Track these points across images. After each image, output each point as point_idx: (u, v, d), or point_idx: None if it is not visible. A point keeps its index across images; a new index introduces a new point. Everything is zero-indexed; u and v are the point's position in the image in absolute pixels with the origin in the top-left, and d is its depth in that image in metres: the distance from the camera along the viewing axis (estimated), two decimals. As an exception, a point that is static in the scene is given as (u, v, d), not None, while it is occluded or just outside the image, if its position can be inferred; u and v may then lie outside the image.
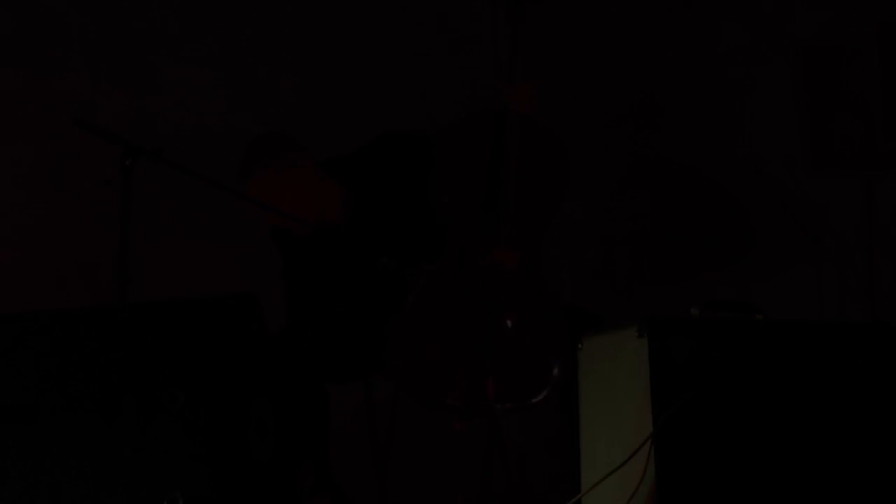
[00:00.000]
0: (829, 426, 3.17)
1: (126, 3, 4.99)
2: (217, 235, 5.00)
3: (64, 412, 2.88)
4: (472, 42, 4.15)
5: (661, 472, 3.02)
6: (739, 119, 5.37)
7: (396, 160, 3.91)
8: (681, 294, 5.15)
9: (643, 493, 3.03)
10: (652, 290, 5.33)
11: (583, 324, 3.58)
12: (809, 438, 3.15)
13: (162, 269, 4.82)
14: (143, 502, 2.78)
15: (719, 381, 3.12)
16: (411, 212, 3.90)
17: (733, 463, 3.08)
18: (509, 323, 3.63)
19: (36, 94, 4.84)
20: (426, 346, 3.69)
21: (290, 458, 3.07)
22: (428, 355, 3.68)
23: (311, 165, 3.93)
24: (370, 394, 4.02)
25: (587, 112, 5.40)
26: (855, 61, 5.02)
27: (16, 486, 2.86)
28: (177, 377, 2.85)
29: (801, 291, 5.24)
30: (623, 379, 3.19)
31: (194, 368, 2.85)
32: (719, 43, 5.39)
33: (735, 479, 3.08)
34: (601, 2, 5.45)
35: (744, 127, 5.37)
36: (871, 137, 4.98)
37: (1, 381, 2.93)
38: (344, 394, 3.93)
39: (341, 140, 4.26)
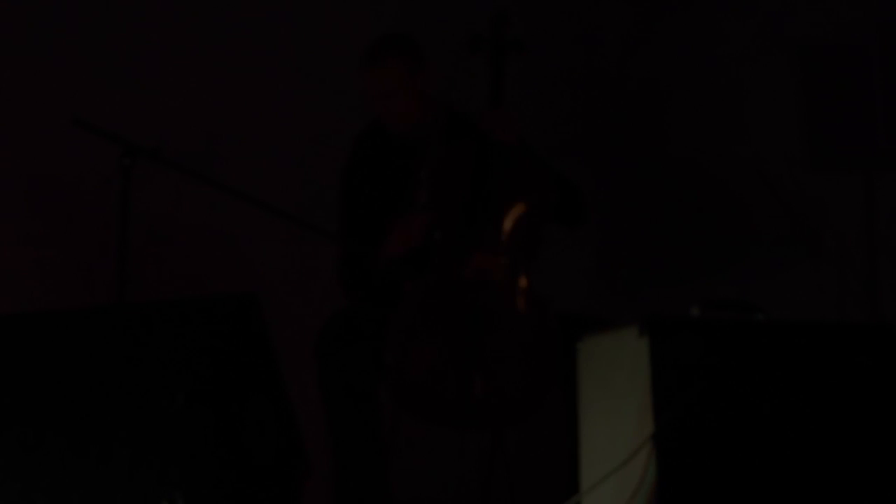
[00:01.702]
0: (829, 426, 3.17)
1: (126, 3, 4.99)
2: (217, 235, 4.99)
3: (64, 412, 2.88)
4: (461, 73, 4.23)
5: (661, 472, 3.02)
6: (739, 119, 5.37)
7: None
8: (681, 294, 5.15)
9: (643, 493, 3.03)
10: (652, 290, 5.33)
11: (582, 328, 3.58)
12: (810, 438, 3.15)
13: (162, 269, 4.83)
14: (143, 502, 2.78)
15: (719, 381, 3.12)
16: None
17: (734, 463, 3.08)
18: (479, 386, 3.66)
19: (36, 94, 4.84)
20: (418, 362, 3.70)
21: (290, 458, 3.07)
22: (420, 372, 3.69)
23: (428, 76, 4.06)
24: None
25: (587, 112, 5.40)
26: (855, 61, 5.02)
27: (16, 486, 2.86)
28: (177, 377, 2.85)
29: (801, 291, 5.23)
30: (623, 379, 3.19)
31: (194, 368, 2.85)
32: (719, 43, 5.39)
33: (735, 480, 3.08)
34: (602, 3, 5.45)
35: (744, 127, 5.37)
36: (871, 137, 4.98)
37: (1, 381, 2.93)
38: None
39: (342, 140, 4.27)
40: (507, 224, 3.84)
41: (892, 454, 3.19)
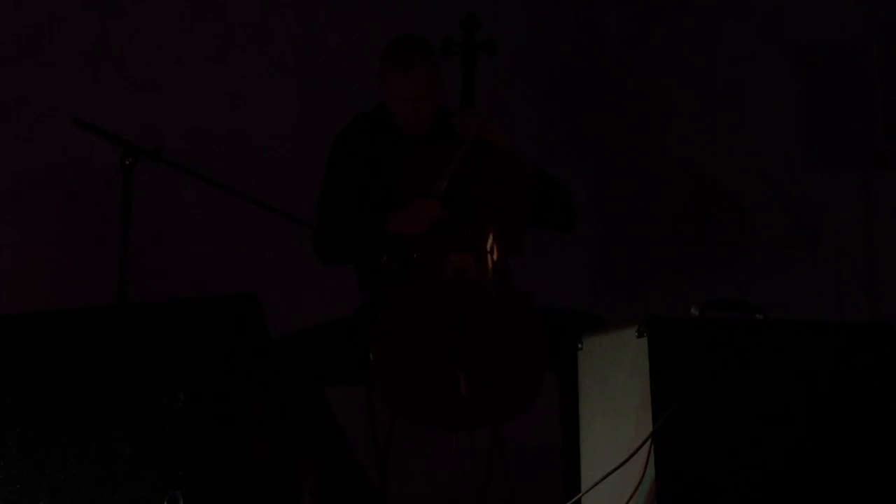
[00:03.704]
0: (828, 426, 3.17)
1: (126, 3, 5.00)
2: (217, 235, 5.00)
3: (64, 412, 2.88)
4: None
5: (661, 472, 3.02)
6: (739, 119, 5.37)
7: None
8: (681, 294, 5.15)
9: (643, 493, 3.03)
10: (652, 290, 5.33)
11: (583, 325, 3.58)
12: (809, 438, 3.15)
13: (162, 269, 4.83)
14: (143, 502, 2.78)
15: (719, 381, 3.12)
16: None
17: (733, 463, 3.08)
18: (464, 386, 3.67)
19: (36, 94, 4.85)
20: (403, 364, 3.71)
21: (290, 458, 3.07)
22: (406, 374, 3.70)
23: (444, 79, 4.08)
24: (370, 394, 4.03)
25: (587, 113, 5.40)
26: (855, 61, 5.03)
27: (16, 486, 2.86)
28: (177, 377, 2.85)
29: (800, 291, 5.24)
30: (623, 379, 3.19)
31: (194, 368, 2.85)
32: (719, 43, 5.39)
33: (735, 479, 3.08)
34: (602, 3, 5.46)
35: (744, 127, 5.37)
36: (870, 137, 4.98)
37: (1, 381, 2.93)
38: (344, 394, 3.93)
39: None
40: (484, 221, 3.85)
41: (891, 453, 3.19)
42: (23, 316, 3.04)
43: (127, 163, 3.69)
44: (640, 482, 3.04)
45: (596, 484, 3.15)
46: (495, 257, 3.84)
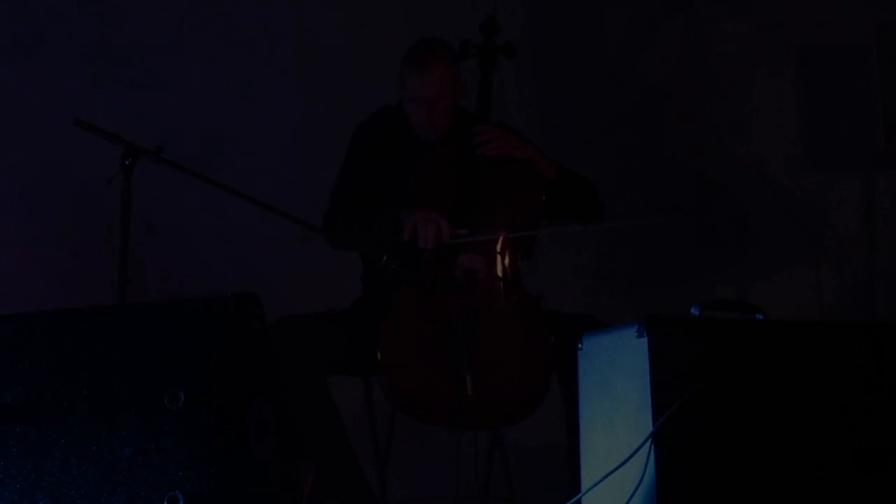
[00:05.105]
0: (828, 426, 3.17)
1: (126, 3, 5.00)
2: (217, 235, 5.00)
3: (64, 412, 2.88)
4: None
5: (661, 472, 3.03)
6: (739, 119, 5.37)
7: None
8: (681, 294, 5.15)
9: (643, 493, 3.04)
10: (652, 290, 5.33)
11: (583, 325, 3.58)
12: (809, 438, 3.15)
13: (162, 269, 4.83)
14: (143, 502, 2.79)
15: (719, 381, 3.12)
16: None
17: (733, 463, 3.09)
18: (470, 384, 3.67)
19: (36, 94, 4.85)
20: (411, 363, 3.71)
21: (290, 458, 3.07)
22: (413, 373, 3.70)
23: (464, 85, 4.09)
24: (370, 393, 4.03)
25: (587, 113, 5.40)
26: (854, 62, 5.03)
27: (16, 486, 2.86)
28: (177, 377, 2.85)
29: (800, 291, 5.24)
30: (623, 379, 3.20)
31: (194, 368, 2.86)
32: (719, 43, 5.39)
33: (735, 479, 3.08)
34: (602, 3, 5.46)
35: (744, 127, 5.37)
36: (870, 137, 4.98)
37: (1, 381, 2.93)
38: (344, 393, 3.94)
39: (342, 140, 4.27)
40: (495, 224, 3.86)
41: (892, 453, 3.19)
42: (23, 316, 3.04)
43: (127, 163, 3.70)
44: (640, 482, 3.04)
45: (596, 484, 3.15)
46: (506, 260, 3.84)
